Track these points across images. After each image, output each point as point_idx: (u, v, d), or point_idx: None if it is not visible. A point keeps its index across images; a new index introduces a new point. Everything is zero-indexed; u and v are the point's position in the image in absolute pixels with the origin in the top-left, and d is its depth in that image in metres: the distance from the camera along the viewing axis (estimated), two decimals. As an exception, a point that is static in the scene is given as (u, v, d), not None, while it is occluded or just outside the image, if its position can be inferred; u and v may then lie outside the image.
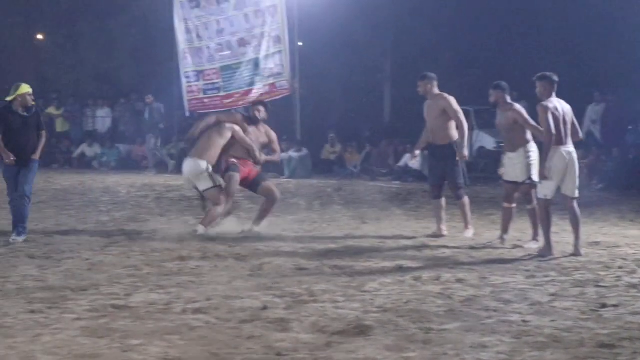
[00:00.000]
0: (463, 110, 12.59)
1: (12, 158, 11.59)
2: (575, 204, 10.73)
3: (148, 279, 9.15)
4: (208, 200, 12.62)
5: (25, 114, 11.60)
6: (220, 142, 12.47)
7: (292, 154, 23.81)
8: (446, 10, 30.03)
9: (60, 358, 6.27)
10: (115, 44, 32.73)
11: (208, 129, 12.68)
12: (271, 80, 23.50)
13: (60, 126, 29.48)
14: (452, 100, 12.36)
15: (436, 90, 12.47)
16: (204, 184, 12.42)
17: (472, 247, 11.35)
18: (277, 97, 23.88)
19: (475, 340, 6.68)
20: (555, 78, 10.72)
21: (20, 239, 11.62)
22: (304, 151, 23.91)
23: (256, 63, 23.72)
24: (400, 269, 9.78)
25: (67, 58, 33.93)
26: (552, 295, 8.39)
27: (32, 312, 7.61)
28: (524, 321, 7.29)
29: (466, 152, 12.36)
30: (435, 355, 6.32)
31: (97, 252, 10.91)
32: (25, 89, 11.60)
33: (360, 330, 6.98)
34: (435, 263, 10.21)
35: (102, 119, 29.62)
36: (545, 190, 10.68)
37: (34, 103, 11.80)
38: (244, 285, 8.87)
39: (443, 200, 12.53)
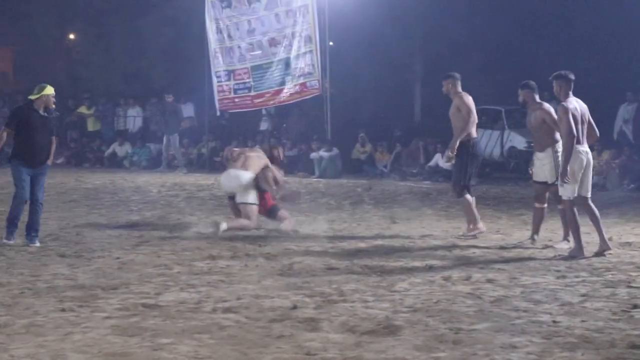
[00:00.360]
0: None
1: None
2: (590, 202, 10.69)
3: (178, 278, 9.19)
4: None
5: (45, 114, 11.62)
6: (260, 164, 12.81)
7: (323, 153, 23.79)
8: (476, 10, 29.92)
9: (91, 356, 6.31)
10: (146, 44, 32.86)
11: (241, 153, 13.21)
12: (302, 80, 23.58)
13: (91, 125, 29.59)
14: (467, 98, 12.33)
15: (458, 90, 12.45)
16: (244, 197, 12.67)
17: (502, 247, 11.32)
18: (307, 97, 23.98)
19: (505, 340, 6.66)
20: (572, 76, 10.64)
21: (35, 245, 11.35)
22: (334, 151, 23.88)
23: (287, 63, 23.80)
24: (430, 269, 9.77)
25: (98, 57, 34.06)
26: (583, 295, 8.35)
27: (63, 310, 7.67)
28: (554, 322, 7.26)
29: (455, 146, 12.21)
30: (464, 356, 6.31)
31: (128, 251, 10.97)
32: (50, 90, 11.64)
33: (390, 330, 6.98)
34: (465, 263, 10.19)
35: (133, 118, 29.70)
36: (567, 192, 10.60)
37: (54, 106, 11.83)
38: (273, 284, 8.89)
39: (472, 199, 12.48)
